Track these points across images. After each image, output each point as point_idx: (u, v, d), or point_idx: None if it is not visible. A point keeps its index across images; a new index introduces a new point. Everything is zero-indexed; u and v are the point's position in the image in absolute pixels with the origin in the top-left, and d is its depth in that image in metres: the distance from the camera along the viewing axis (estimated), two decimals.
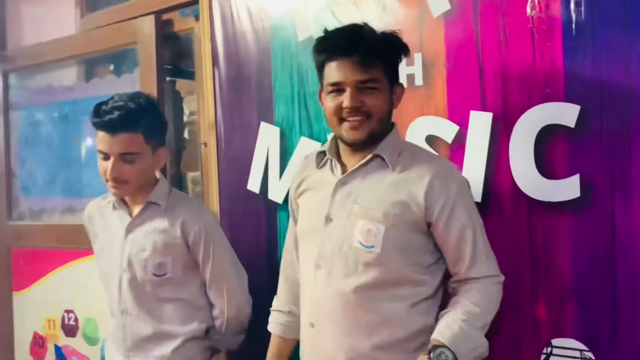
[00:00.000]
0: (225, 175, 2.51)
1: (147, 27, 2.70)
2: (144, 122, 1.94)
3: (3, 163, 3.33)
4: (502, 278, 1.65)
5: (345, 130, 1.63)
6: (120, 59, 2.98)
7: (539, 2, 1.74)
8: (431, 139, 1.93)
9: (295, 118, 2.26)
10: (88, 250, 3.00)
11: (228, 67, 2.46)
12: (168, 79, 2.83)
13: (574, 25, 1.70)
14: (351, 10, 2.13)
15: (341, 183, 1.69)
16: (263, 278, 2.27)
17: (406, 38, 1.83)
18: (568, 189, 1.71)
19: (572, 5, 1.69)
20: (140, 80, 2.74)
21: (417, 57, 1.95)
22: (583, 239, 1.69)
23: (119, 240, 2.05)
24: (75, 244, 3.04)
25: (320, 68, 1.66)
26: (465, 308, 1.58)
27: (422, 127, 1.95)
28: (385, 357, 1.62)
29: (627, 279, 1.64)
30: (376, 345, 1.62)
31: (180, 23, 2.74)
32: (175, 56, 2.83)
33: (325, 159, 1.77)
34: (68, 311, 3.07)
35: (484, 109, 1.83)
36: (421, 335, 1.62)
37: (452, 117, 1.90)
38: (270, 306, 1.96)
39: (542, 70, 1.75)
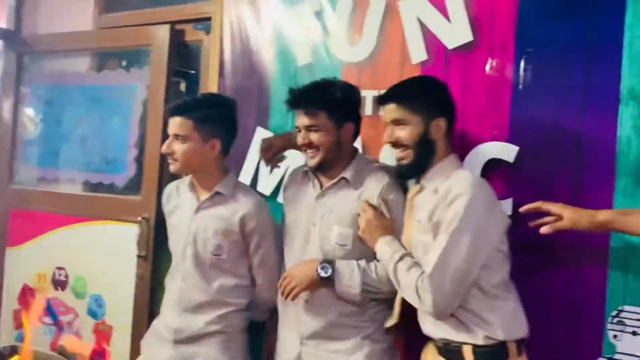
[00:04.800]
0: None
1: (163, 34, 2.92)
2: (196, 112, 2.15)
3: (10, 133, 3.45)
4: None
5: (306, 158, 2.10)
6: (131, 56, 3.18)
7: (496, 64, 2.10)
8: None
9: (287, 128, 2.53)
10: (82, 217, 3.21)
11: (233, 78, 2.73)
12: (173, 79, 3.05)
13: (520, 86, 2.06)
14: (344, 48, 2.44)
15: (320, 196, 2.10)
16: None
17: (389, 77, 2.21)
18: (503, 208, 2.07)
19: (521, 70, 2.06)
20: (152, 80, 2.95)
21: None
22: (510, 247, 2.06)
23: (188, 217, 2.23)
24: (70, 210, 3.22)
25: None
26: (369, 267, 1.98)
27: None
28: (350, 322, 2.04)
29: (542, 280, 2.01)
30: (346, 312, 2.04)
31: (191, 34, 2.98)
32: (183, 61, 3.05)
33: (307, 176, 2.17)
34: (59, 268, 3.23)
35: None
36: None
37: None
38: None
39: (493, 117, 2.10)
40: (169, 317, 2.26)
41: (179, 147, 2.15)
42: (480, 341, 1.77)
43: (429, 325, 1.88)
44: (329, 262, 2.00)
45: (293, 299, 2.02)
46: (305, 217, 2.13)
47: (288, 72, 2.54)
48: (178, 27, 2.97)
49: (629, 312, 1.85)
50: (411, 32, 2.26)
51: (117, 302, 3.04)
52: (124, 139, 3.13)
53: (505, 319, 1.78)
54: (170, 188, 2.37)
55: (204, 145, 2.18)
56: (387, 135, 1.91)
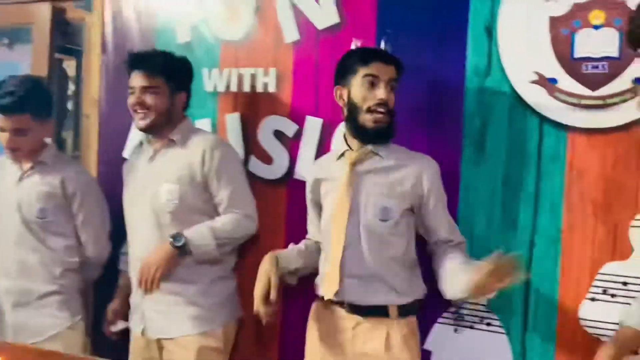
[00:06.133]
0: (104, 143, 2.84)
1: (44, 12, 2.93)
2: (31, 104, 2.31)
3: None
4: (252, 213, 2.22)
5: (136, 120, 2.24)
6: (14, 33, 3.15)
7: (360, 44, 2.27)
8: (277, 133, 2.41)
9: None
10: None
11: (115, 55, 2.79)
12: (57, 56, 3.05)
13: None
14: (223, 26, 2.55)
15: (151, 159, 2.28)
16: None
17: (264, 55, 2.35)
18: None
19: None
20: (33, 58, 2.98)
21: (272, 70, 2.42)
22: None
23: (13, 186, 2.39)
24: None
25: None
26: (215, 223, 2.18)
27: (272, 123, 2.42)
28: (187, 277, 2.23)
29: None
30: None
31: (73, 12, 2.99)
32: (67, 38, 3.06)
33: (141, 146, 2.36)
34: None
35: (317, 115, 2.34)
36: None
37: (294, 118, 2.39)
38: None
39: None
40: (5, 283, 2.39)
41: (23, 141, 2.34)
42: (407, 301, 1.99)
43: (355, 294, 1.97)
44: (177, 234, 2.15)
45: (157, 286, 2.16)
46: (140, 182, 2.29)
47: (169, 49, 2.60)
48: (59, 5, 2.98)
49: None
50: (284, 12, 2.40)
51: None
52: None
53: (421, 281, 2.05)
54: None
55: (41, 131, 2.39)
56: (384, 93, 1.92)
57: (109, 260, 2.52)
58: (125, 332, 2.42)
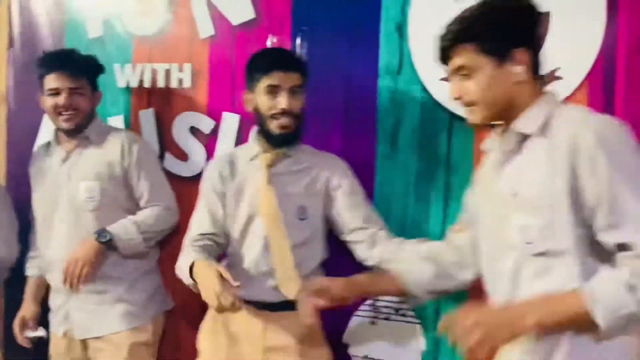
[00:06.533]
0: (13, 141, 2.74)
1: None
2: None
3: None
4: (173, 205, 2.27)
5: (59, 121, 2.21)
6: None
7: (276, 41, 2.29)
8: (193, 129, 2.40)
9: None
10: None
11: (23, 51, 2.69)
12: None
13: None
14: (137, 20, 2.50)
15: (65, 160, 2.25)
16: None
17: (179, 50, 2.33)
18: None
19: (297, 47, 2.25)
20: None
21: (187, 66, 2.40)
22: None
23: None
24: None
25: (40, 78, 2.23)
26: (137, 217, 2.18)
27: (187, 119, 2.41)
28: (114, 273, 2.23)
29: None
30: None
31: None
32: None
33: (49, 147, 2.32)
34: None
35: (234, 111, 2.33)
36: None
37: (210, 115, 2.37)
38: None
39: None
40: None
41: None
42: None
43: (268, 292, 1.96)
44: (101, 230, 2.14)
45: (85, 282, 2.13)
46: (53, 184, 2.25)
47: (79, 45, 2.52)
48: None
49: None
50: (199, 7, 2.38)
51: None
52: None
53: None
54: None
55: None
56: (285, 102, 1.92)
57: (18, 263, 2.43)
58: (39, 338, 2.35)
